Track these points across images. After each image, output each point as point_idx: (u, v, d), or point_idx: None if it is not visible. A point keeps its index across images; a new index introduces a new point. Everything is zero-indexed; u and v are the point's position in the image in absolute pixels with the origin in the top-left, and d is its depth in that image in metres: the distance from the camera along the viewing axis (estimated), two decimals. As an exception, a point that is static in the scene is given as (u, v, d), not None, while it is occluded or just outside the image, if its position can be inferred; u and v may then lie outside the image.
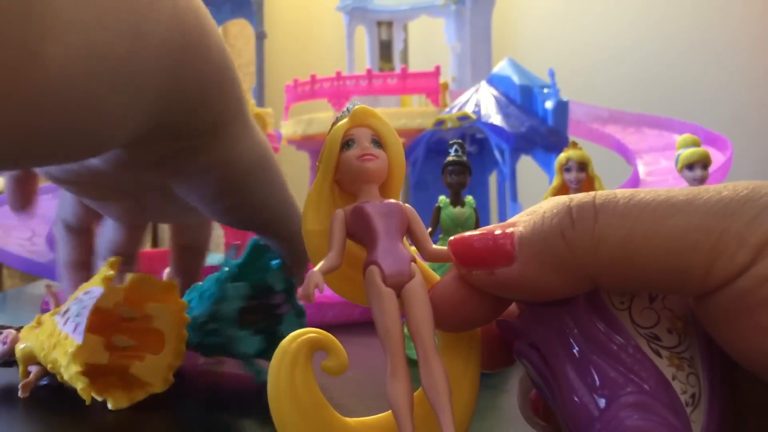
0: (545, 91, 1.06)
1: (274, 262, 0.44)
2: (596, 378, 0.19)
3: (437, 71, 1.19)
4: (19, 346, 0.43)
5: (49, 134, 0.27)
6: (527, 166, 1.12)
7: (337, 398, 0.23)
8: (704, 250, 0.17)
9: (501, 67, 1.15)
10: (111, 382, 0.40)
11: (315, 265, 0.22)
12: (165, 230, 1.84)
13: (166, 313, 0.42)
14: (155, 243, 1.84)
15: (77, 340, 0.37)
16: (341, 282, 0.23)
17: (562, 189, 0.61)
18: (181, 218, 0.51)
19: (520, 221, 0.20)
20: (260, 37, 1.00)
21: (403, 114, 1.20)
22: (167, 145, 0.36)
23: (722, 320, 0.18)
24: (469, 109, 1.08)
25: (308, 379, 0.21)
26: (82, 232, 0.52)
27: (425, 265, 0.23)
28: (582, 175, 0.60)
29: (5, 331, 0.45)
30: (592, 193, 0.19)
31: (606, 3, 1.95)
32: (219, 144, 0.37)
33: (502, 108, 1.06)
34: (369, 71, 1.23)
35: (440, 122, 1.07)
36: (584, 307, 0.20)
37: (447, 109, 1.14)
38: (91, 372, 0.38)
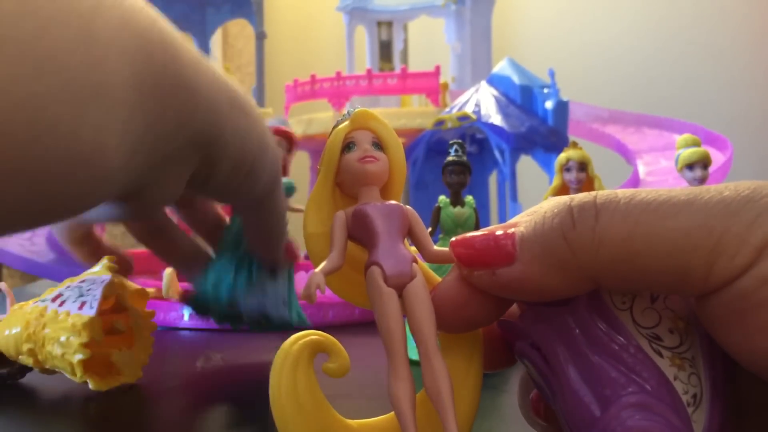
0: (545, 91, 1.06)
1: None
2: (598, 378, 0.19)
3: (437, 71, 1.19)
4: None
5: (22, 180, 0.23)
6: (527, 166, 1.12)
7: (337, 398, 0.23)
8: (705, 250, 0.17)
9: (501, 67, 1.15)
10: (91, 366, 0.43)
11: (316, 267, 0.22)
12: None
13: (139, 315, 0.46)
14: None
15: (89, 313, 0.41)
16: (342, 284, 0.23)
17: (562, 189, 0.61)
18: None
19: (521, 221, 0.20)
20: (260, 37, 1.00)
21: (403, 114, 1.20)
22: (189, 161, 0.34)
23: (723, 321, 0.18)
24: (469, 109, 1.08)
25: (310, 381, 0.21)
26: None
27: (426, 266, 0.23)
28: (582, 175, 0.60)
29: None
30: (593, 193, 0.19)
31: (606, 3, 1.95)
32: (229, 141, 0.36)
33: (502, 108, 1.06)
34: (369, 71, 1.23)
35: (440, 122, 1.07)
36: (586, 307, 0.20)
37: (447, 109, 1.14)
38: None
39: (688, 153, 0.66)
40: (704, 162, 0.66)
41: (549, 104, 1.03)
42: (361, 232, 0.22)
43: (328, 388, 0.22)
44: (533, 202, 0.22)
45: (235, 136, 0.35)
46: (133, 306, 0.46)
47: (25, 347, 0.43)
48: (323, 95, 1.22)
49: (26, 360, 0.44)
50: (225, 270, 0.48)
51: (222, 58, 2.07)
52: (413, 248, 0.23)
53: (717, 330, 0.18)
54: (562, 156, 0.61)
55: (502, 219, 1.14)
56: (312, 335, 0.22)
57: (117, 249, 0.51)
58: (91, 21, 0.25)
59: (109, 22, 0.26)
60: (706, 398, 0.19)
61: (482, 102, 1.08)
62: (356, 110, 0.24)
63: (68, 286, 0.44)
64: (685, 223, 0.18)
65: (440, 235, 0.55)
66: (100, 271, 0.44)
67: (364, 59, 1.47)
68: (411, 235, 0.23)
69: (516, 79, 1.09)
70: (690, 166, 0.66)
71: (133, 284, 0.47)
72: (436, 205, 0.55)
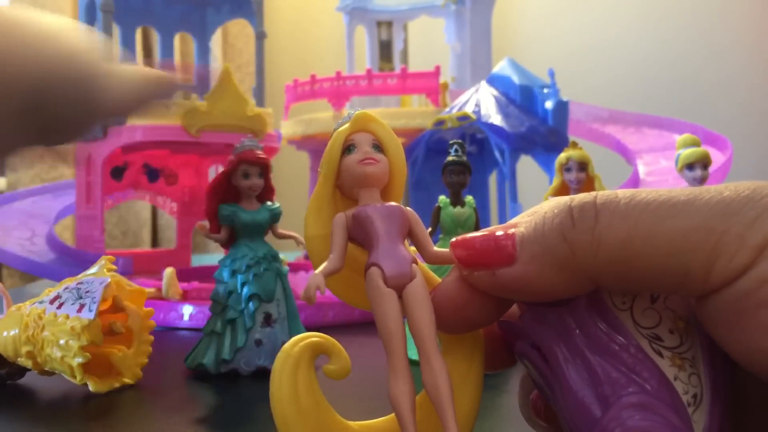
0: (545, 91, 1.06)
1: None
2: (598, 378, 0.19)
3: (437, 71, 1.19)
4: None
5: None
6: (527, 166, 1.11)
7: (337, 398, 0.24)
8: (705, 250, 0.17)
9: (501, 67, 1.15)
10: (90, 368, 0.43)
11: (316, 269, 0.22)
12: (165, 230, 1.84)
13: (138, 315, 0.47)
14: (155, 243, 1.84)
15: (88, 316, 0.41)
16: (342, 285, 0.23)
17: (562, 189, 0.61)
18: None
19: (522, 222, 0.20)
20: (260, 37, 0.99)
21: (403, 114, 1.20)
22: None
23: (722, 321, 0.18)
24: (469, 109, 1.08)
25: (311, 382, 0.21)
26: None
27: (426, 267, 0.23)
28: (582, 175, 0.60)
29: None
30: (593, 194, 0.19)
31: (606, 3, 1.95)
32: None
33: (502, 108, 1.06)
34: (369, 71, 1.23)
35: (440, 122, 1.07)
36: (586, 308, 0.20)
37: (447, 109, 1.14)
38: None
39: (688, 153, 0.66)
40: (704, 162, 0.66)
41: (549, 104, 1.03)
42: (361, 234, 0.22)
43: (328, 389, 0.22)
44: (533, 202, 0.22)
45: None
46: (131, 306, 0.46)
47: (24, 349, 0.43)
48: (323, 95, 1.21)
49: (25, 362, 0.44)
50: (212, 343, 0.50)
51: (222, 58, 2.06)
52: (412, 248, 0.23)
53: (717, 330, 0.18)
54: (562, 156, 0.61)
55: (502, 219, 1.14)
56: (313, 337, 0.22)
57: None
58: None
59: None
60: (706, 398, 0.19)
61: (482, 102, 1.08)
62: (356, 113, 0.24)
63: (66, 288, 0.44)
64: (684, 224, 0.18)
65: (440, 235, 0.55)
66: (97, 272, 0.44)
67: (364, 59, 1.47)
68: (411, 236, 0.23)
69: (516, 79, 1.09)
70: (690, 166, 0.66)
71: (130, 284, 0.47)
72: (436, 205, 0.55)
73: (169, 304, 0.72)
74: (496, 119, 1.03)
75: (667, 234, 0.18)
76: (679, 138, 0.69)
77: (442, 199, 0.55)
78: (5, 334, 0.44)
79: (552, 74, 1.06)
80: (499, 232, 0.20)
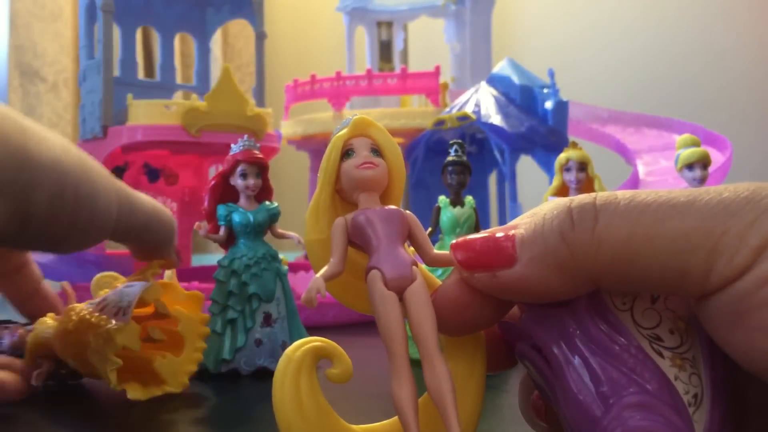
0: (545, 91, 1.06)
1: None
2: (599, 379, 0.19)
3: (437, 71, 1.19)
4: (38, 334, 0.44)
5: None
6: (527, 166, 1.11)
7: (338, 399, 0.24)
8: (704, 251, 0.17)
9: (501, 67, 1.15)
10: (131, 375, 0.42)
11: (316, 273, 0.22)
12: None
13: (191, 321, 0.45)
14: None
15: (122, 320, 0.40)
16: (342, 290, 0.24)
17: (562, 189, 0.61)
18: None
19: (521, 223, 0.20)
20: (260, 37, 0.99)
21: (403, 114, 1.19)
22: None
23: (722, 322, 0.18)
24: (468, 109, 1.08)
25: (313, 387, 0.21)
26: None
27: (426, 269, 0.23)
28: (582, 175, 0.60)
29: (12, 326, 0.46)
30: (592, 195, 0.19)
31: (606, 3, 1.95)
32: None
33: (501, 108, 1.06)
34: (369, 71, 1.23)
35: (440, 122, 1.07)
36: (586, 308, 0.20)
37: (447, 109, 1.14)
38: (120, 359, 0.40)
39: (687, 153, 0.66)
40: (704, 162, 0.66)
41: (549, 104, 1.03)
42: (361, 237, 0.22)
43: (329, 390, 0.22)
44: (533, 203, 0.22)
45: (43, 160, 0.31)
46: (182, 311, 0.45)
47: (72, 352, 0.42)
48: (323, 95, 1.21)
49: (74, 365, 0.43)
50: (212, 343, 0.50)
51: (222, 58, 2.07)
52: (411, 249, 0.24)
53: (716, 331, 0.18)
54: (562, 156, 0.61)
55: (502, 219, 1.14)
56: (315, 342, 0.22)
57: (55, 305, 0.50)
58: None
59: None
60: (706, 398, 0.19)
61: (482, 102, 1.08)
62: (354, 117, 0.24)
63: (114, 290, 0.42)
64: (684, 225, 0.18)
65: (440, 235, 0.55)
66: (138, 276, 0.43)
67: (364, 59, 1.47)
68: (411, 239, 0.23)
69: (516, 79, 1.09)
70: (690, 166, 0.66)
71: (182, 289, 0.46)
72: (436, 205, 0.55)
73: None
74: (496, 119, 1.03)
75: (666, 235, 0.18)
76: (678, 138, 0.69)
77: (442, 199, 0.55)
78: (58, 334, 0.43)
79: (552, 74, 1.06)
80: (499, 234, 0.20)
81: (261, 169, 0.52)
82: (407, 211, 0.23)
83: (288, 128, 1.25)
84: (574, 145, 0.62)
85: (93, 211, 0.34)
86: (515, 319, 0.22)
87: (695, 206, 0.18)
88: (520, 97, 1.08)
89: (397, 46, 1.50)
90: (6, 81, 1.62)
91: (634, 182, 1.09)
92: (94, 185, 0.34)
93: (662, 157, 1.15)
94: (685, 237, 0.18)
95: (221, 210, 0.51)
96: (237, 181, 0.51)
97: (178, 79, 1.10)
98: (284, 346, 0.51)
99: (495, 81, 1.13)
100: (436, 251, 0.23)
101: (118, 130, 0.85)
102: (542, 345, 0.21)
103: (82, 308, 0.43)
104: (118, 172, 0.95)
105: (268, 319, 0.51)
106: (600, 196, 0.19)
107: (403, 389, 0.20)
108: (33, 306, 0.50)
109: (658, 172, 1.11)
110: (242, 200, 0.52)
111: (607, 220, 0.19)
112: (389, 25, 1.49)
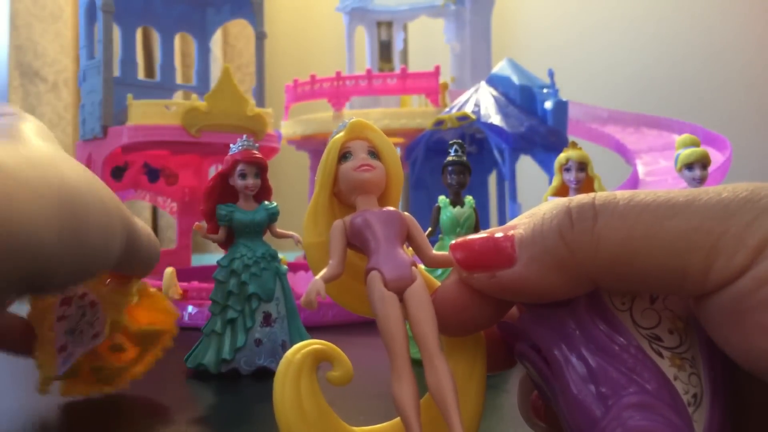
0: (545, 91, 1.06)
1: None
2: (598, 378, 0.19)
3: (437, 71, 1.19)
4: None
5: None
6: (527, 166, 1.12)
7: (338, 399, 0.24)
8: (703, 251, 0.17)
9: (500, 67, 1.15)
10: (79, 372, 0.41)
11: (315, 275, 0.22)
12: (165, 230, 1.84)
13: (151, 336, 0.44)
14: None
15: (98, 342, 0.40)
16: (342, 292, 0.24)
17: (562, 189, 0.61)
18: None
19: (521, 224, 0.20)
20: (260, 37, 0.99)
21: (402, 114, 1.20)
22: None
23: (721, 321, 0.18)
24: (468, 109, 1.08)
25: (313, 389, 0.21)
26: None
27: (424, 270, 0.23)
28: (582, 175, 0.60)
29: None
30: (591, 195, 0.19)
31: (606, 3, 1.95)
32: None
33: (501, 108, 1.06)
34: (369, 71, 1.23)
35: (440, 122, 1.07)
36: (585, 308, 0.20)
37: (446, 109, 1.14)
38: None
39: (687, 153, 0.66)
40: (703, 162, 0.66)
41: (548, 104, 1.03)
42: (360, 239, 0.23)
43: (329, 390, 0.22)
44: (533, 203, 0.22)
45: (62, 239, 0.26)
46: (149, 327, 0.44)
47: None
48: (323, 95, 1.21)
49: None
50: (212, 343, 0.50)
51: (222, 58, 2.07)
52: (410, 250, 0.24)
53: (715, 330, 0.18)
54: (562, 156, 0.61)
55: (502, 219, 1.14)
56: (315, 344, 0.22)
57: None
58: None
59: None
60: (706, 398, 0.19)
61: (482, 102, 1.08)
62: (351, 121, 0.24)
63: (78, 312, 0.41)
64: (683, 224, 0.18)
65: (440, 235, 0.55)
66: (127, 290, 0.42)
67: (364, 59, 1.47)
68: (410, 240, 0.23)
69: (515, 79, 1.09)
70: (689, 166, 0.66)
71: (163, 301, 0.45)
72: (436, 205, 0.55)
73: (169, 304, 0.72)
74: (496, 119, 1.03)
75: (666, 234, 0.18)
76: (678, 138, 0.69)
77: (442, 199, 0.55)
78: None
79: (551, 74, 1.06)
80: (499, 234, 0.20)
81: (260, 169, 0.52)
82: (405, 213, 0.23)
83: (288, 128, 1.25)
84: (574, 145, 0.62)
85: (102, 246, 0.30)
86: (514, 320, 0.22)
87: (694, 206, 0.18)
88: (520, 97, 1.08)
89: (397, 46, 1.50)
90: (6, 81, 1.62)
91: (634, 182, 1.09)
92: (110, 218, 0.30)
93: (662, 157, 1.15)
94: (684, 237, 0.18)
95: (222, 210, 0.51)
96: (236, 181, 0.51)
97: (178, 79, 1.10)
98: (284, 346, 0.51)
99: (495, 81, 1.13)
100: (435, 252, 0.23)
101: (118, 130, 0.85)
102: (542, 345, 0.21)
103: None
104: (118, 172, 0.95)
105: (267, 319, 0.51)
106: (599, 195, 0.19)
107: (404, 389, 0.21)
108: None
109: (657, 172, 1.11)
110: (241, 200, 0.52)
111: (606, 220, 0.19)
112: (389, 25, 1.49)
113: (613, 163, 1.19)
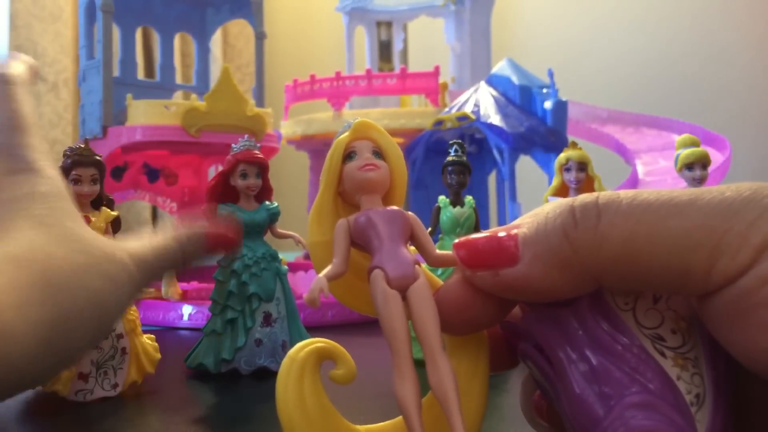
0: (544, 91, 1.06)
1: None
2: (601, 378, 0.19)
3: (437, 71, 1.19)
4: None
5: None
6: (527, 166, 1.12)
7: (339, 398, 0.24)
8: (706, 250, 0.17)
9: (500, 67, 1.15)
10: None
11: (319, 274, 0.22)
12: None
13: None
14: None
15: None
16: (345, 291, 0.24)
17: (562, 189, 0.61)
18: None
19: (524, 223, 0.20)
20: (260, 37, 0.99)
21: (402, 114, 1.20)
22: None
23: (724, 320, 0.18)
24: (468, 109, 1.08)
25: (316, 387, 0.21)
26: None
27: (427, 270, 0.23)
28: (582, 175, 0.60)
29: None
30: (595, 194, 0.19)
31: (606, 3, 1.96)
32: None
33: (501, 108, 1.06)
34: (368, 71, 1.23)
35: (439, 122, 1.07)
36: (589, 308, 0.20)
37: (446, 109, 1.14)
38: None
39: (687, 153, 0.66)
40: (703, 162, 0.66)
41: (548, 104, 1.03)
42: (363, 238, 0.23)
43: (331, 389, 0.22)
44: (532, 202, 0.22)
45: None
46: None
47: None
48: (323, 95, 1.22)
49: None
50: (212, 343, 0.50)
51: (222, 58, 2.06)
52: (413, 249, 0.24)
53: (718, 329, 0.18)
54: (562, 156, 0.61)
55: (502, 219, 1.14)
56: (318, 343, 0.22)
57: None
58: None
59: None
60: (709, 398, 0.19)
61: (481, 102, 1.08)
62: (356, 121, 0.24)
63: None
64: (686, 223, 0.18)
65: (440, 235, 0.55)
66: None
67: (364, 59, 1.47)
68: (414, 239, 0.23)
69: (515, 79, 1.09)
70: (689, 166, 0.66)
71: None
72: (436, 205, 0.55)
73: (169, 304, 0.72)
74: (496, 119, 1.04)
75: (669, 233, 0.18)
76: (678, 138, 0.69)
77: (442, 199, 0.55)
78: None
79: (551, 74, 1.06)
80: (502, 233, 0.20)
81: (261, 169, 0.52)
82: (409, 212, 0.24)
83: (288, 128, 1.25)
84: (574, 145, 0.62)
85: (89, 341, 0.25)
86: (517, 319, 0.22)
87: (697, 205, 0.18)
88: (520, 98, 1.08)
89: (397, 46, 1.50)
90: (5, 81, 1.61)
91: (634, 182, 1.10)
92: (101, 310, 0.25)
93: (661, 157, 1.15)
94: (687, 235, 0.18)
95: (223, 210, 0.51)
96: (237, 181, 0.51)
97: (178, 79, 1.10)
98: (284, 346, 0.51)
99: (494, 81, 1.13)
100: (438, 252, 0.23)
101: (118, 130, 0.85)
102: (544, 345, 0.21)
103: None
104: (118, 172, 0.95)
105: (267, 319, 0.51)
106: (602, 195, 0.19)
107: (406, 388, 0.21)
108: None
109: (657, 172, 1.11)
110: (242, 200, 0.52)
111: (609, 219, 0.19)
112: (389, 25, 1.49)
113: (612, 163, 1.19)
